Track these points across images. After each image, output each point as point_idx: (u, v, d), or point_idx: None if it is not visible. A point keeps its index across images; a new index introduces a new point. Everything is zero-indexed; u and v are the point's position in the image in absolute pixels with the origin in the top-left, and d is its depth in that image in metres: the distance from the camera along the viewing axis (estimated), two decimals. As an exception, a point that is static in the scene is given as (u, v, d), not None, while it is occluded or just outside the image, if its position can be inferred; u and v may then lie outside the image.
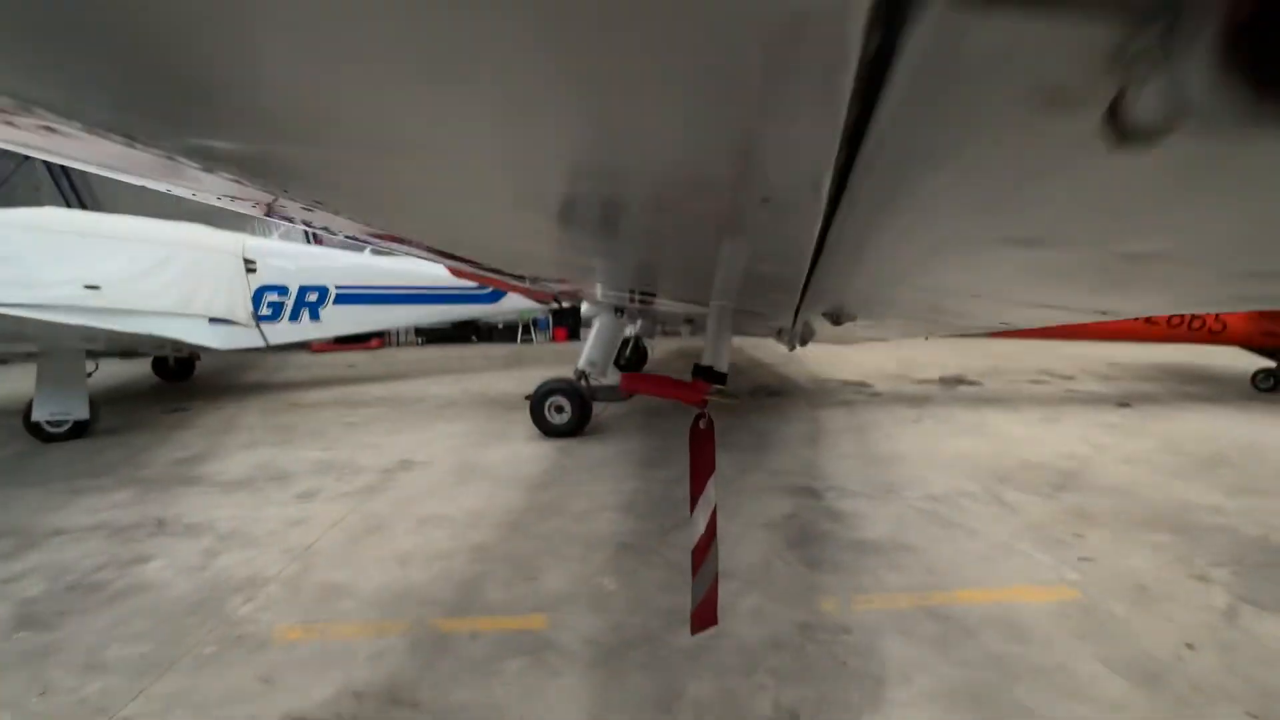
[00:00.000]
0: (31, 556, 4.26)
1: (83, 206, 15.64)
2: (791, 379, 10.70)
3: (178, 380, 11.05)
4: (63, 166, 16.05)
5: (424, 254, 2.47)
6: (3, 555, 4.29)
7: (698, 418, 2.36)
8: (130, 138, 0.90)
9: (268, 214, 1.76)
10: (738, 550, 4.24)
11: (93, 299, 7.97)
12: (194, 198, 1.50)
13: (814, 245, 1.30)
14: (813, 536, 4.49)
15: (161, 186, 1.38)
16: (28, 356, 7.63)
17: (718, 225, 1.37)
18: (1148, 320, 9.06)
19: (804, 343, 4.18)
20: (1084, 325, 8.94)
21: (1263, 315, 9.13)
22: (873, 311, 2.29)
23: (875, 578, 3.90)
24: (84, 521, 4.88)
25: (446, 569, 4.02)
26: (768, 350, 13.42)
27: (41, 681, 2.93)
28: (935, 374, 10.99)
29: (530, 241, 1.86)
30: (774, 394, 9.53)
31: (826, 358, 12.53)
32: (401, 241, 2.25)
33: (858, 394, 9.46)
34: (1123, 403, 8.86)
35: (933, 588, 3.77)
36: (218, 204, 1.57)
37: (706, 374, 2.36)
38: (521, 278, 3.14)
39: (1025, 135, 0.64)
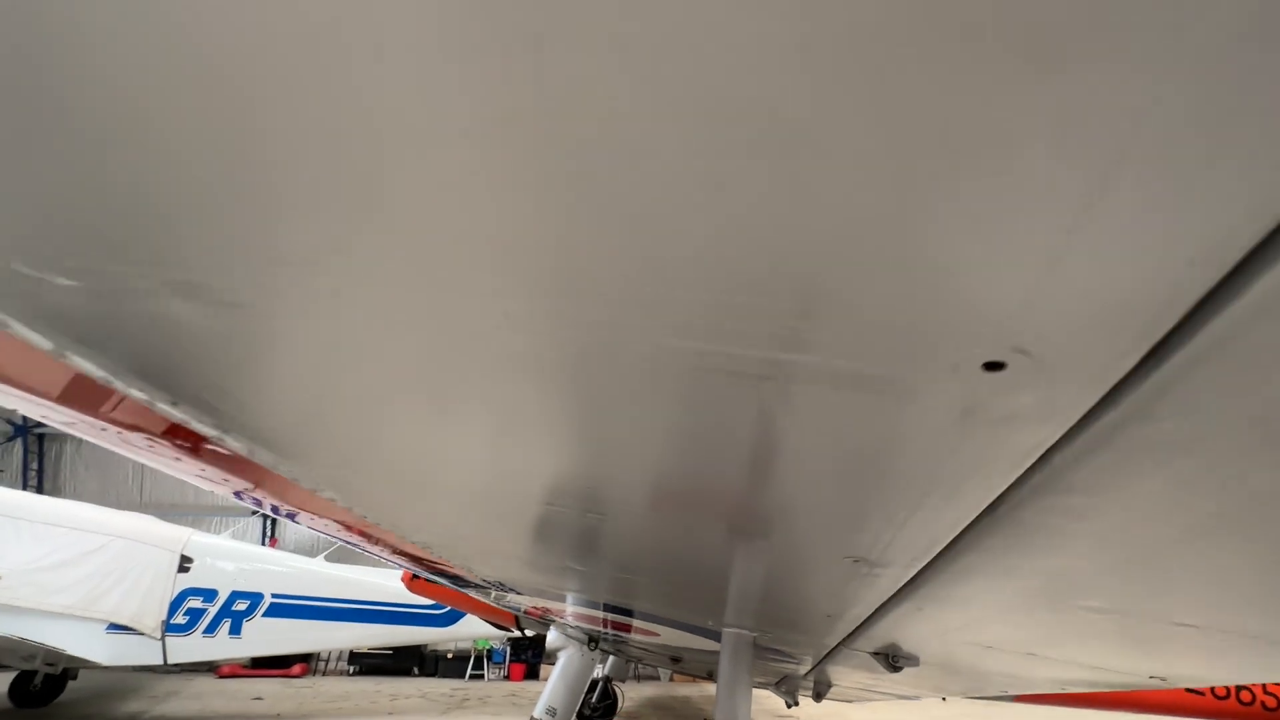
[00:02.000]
0: None
1: (39, 491, 14.96)
2: (790, 747, 8.83)
3: (36, 706, 8.88)
4: (40, 453, 15.96)
5: (395, 555, 2.13)
6: None
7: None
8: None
9: (238, 495, 1.76)
10: None
11: (-17, 591, 6.84)
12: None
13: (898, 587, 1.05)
14: None
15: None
16: None
17: (778, 561, 1.17)
18: (1191, 690, 7.98)
19: (818, 698, 3.38)
20: (1120, 694, 7.84)
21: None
22: (944, 652, 1.80)
23: None
24: None
25: None
26: (759, 703, 11.49)
27: None
28: (961, 750, 9.18)
29: (532, 540, 1.52)
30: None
31: (825, 716, 10.63)
32: (375, 540, 1.93)
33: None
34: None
35: None
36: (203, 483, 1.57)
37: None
38: (490, 589, 2.62)
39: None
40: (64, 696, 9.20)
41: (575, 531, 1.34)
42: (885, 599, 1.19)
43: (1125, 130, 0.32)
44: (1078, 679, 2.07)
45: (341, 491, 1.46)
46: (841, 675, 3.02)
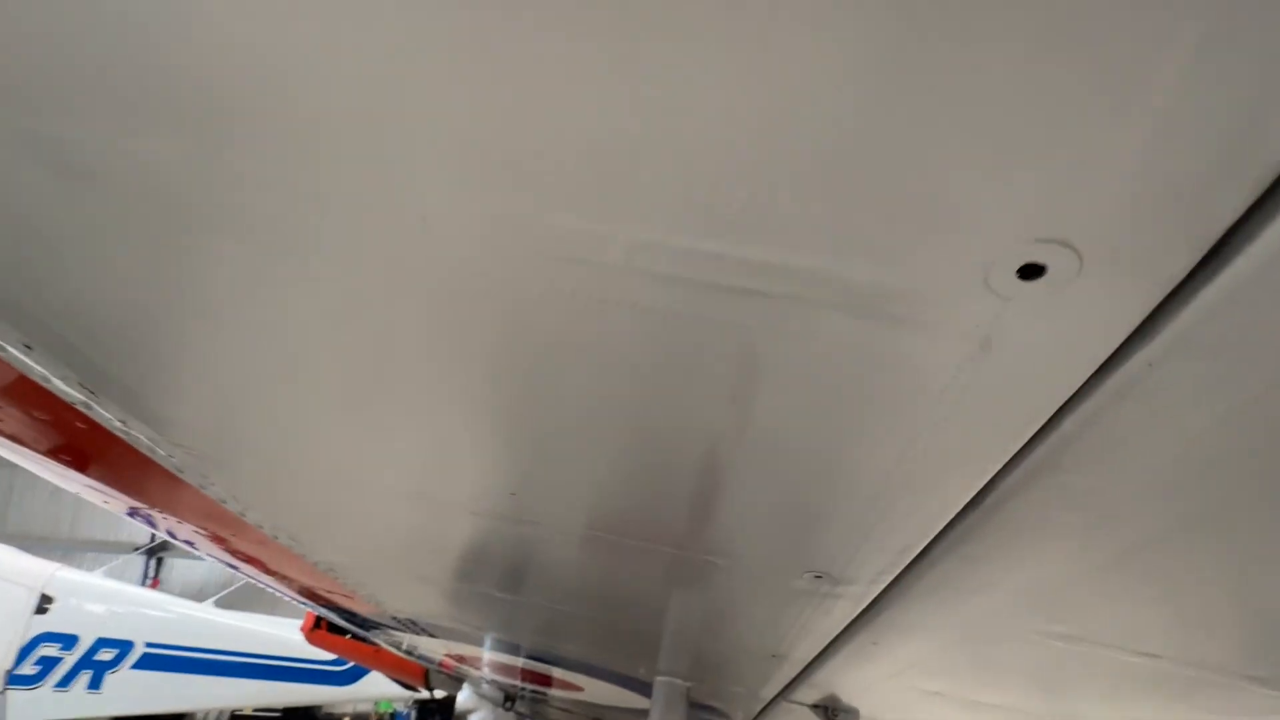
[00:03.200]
0: None
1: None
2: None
3: None
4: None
5: (297, 592, 1.92)
6: None
7: None
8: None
9: (131, 514, 1.65)
10: None
11: None
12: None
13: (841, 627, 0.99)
14: None
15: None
16: None
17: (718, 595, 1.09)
18: None
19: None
20: None
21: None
22: (872, 705, 1.70)
23: None
24: None
25: None
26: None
27: None
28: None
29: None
30: None
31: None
32: (276, 571, 1.70)
33: None
34: None
35: None
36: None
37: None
38: (401, 630, 2.37)
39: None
40: None
41: (501, 550, 1.20)
42: (841, 628, 1.09)
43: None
44: None
45: (246, 501, 1.28)
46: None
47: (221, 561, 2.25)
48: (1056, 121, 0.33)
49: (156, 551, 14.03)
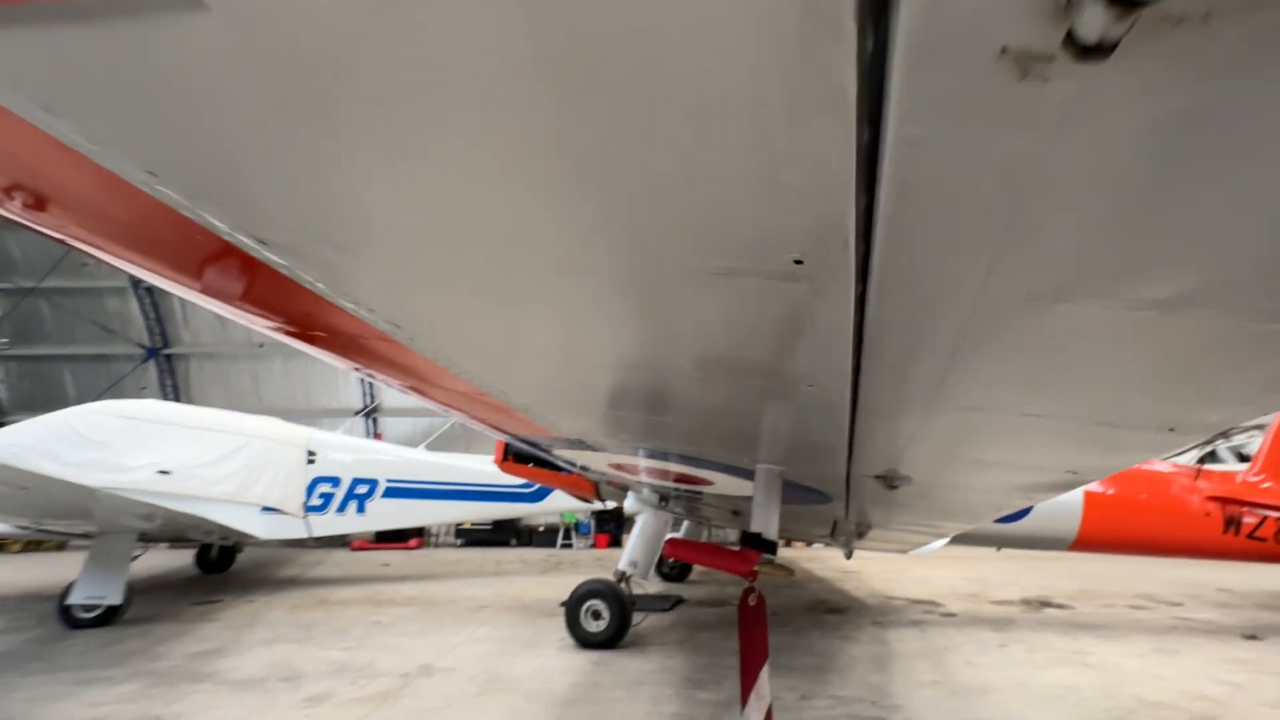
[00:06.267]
0: (13, 752, 3.88)
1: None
2: (852, 595, 9.74)
3: (216, 571, 10.91)
4: (171, 371, 18.03)
5: (484, 422, 2.56)
6: (-16, 749, 3.92)
7: (747, 593, 2.15)
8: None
9: (356, 370, 2.03)
10: (802, 792, 3.50)
11: (163, 484, 8.32)
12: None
13: (854, 354, 1.28)
14: (893, 781, 3.70)
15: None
16: (85, 538, 7.79)
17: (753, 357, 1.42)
18: (1228, 529, 8.05)
19: (860, 535, 3.89)
20: (1155, 539, 8.01)
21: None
22: (924, 469, 2.16)
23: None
24: (80, 715, 4.50)
25: (456, 796, 3.42)
26: (824, 563, 12.47)
27: None
28: (1015, 594, 9.83)
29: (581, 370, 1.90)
30: (834, 610, 8.61)
31: (890, 574, 11.50)
32: (468, 406, 2.38)
33: (928, 614, 8.45)
34: (1249, 635, 7.58)
35: None
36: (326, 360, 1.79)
37: (755, 541, 2.20)
38: (574, 448, 3.16)
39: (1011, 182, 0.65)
40: (235, 566, 11.20)
41: (644, 388, 1.67)
42: (847, 383, 1.41)
43: None
44: (1089, 452, 1.91)
45: (454, 363, 1.88)
46: (868, 513, 3.45)
47: (437, 408, 2.95)
48: None
49: (371, 413, 17.21)
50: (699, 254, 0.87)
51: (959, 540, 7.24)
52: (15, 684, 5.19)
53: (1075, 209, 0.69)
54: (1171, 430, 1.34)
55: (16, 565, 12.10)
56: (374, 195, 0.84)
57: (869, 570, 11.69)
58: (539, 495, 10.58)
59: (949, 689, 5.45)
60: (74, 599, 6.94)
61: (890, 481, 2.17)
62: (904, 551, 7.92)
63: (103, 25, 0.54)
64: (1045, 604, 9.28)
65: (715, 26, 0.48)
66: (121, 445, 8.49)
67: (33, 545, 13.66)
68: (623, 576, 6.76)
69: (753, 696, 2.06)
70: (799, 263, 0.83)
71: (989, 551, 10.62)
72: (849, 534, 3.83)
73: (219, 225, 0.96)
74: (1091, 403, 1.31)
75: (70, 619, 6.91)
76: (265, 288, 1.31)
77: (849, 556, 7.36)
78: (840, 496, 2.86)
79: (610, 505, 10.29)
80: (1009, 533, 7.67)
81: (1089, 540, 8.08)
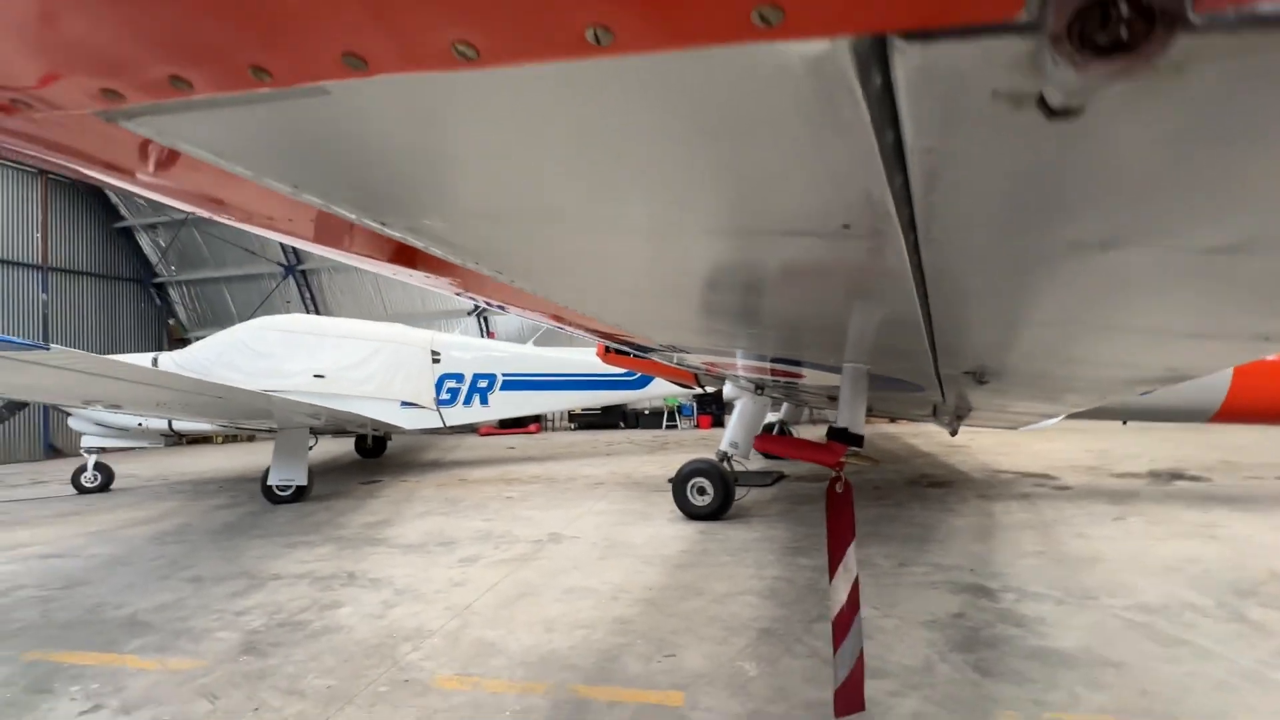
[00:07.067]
0: (256, 596, 5.06)
1: (317, 313, 19.21)
2: (958, 469, 9.73)
3: (372, 457, 12.71)
4: (308, 284, 20.00)
5: (583, 331, 2.79)
6: (237, 593, 5.15)
7: (834, 481, 2.33)
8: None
9: (458, 293, 2.22)
10: (895, 647, 3.86)
11: (319, 385, 9.66)
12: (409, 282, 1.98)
13: (917, 286, 1.32)
14: (985, 640, 3.96)
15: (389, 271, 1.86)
16: (269, 432, 9.33)
17: (820, 270, 1.49)
18: None
19: (960, 417, 3.90)
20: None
21: None
22: (1012, 364, 2.15)
23: (1069, 694, 3.32)
24: (295, 570, 5.70)
25: (588, 638, 4.10)
26: (930, 439, 12.40)
27: (256, 700, 3.42)
28: (1143, 467, 9.39)
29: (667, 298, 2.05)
30: (938, 484, 8.71)
31: (1001, 448, 11.26)
32: (564, 321, 2.61)
33: (1040, 487, 8.35)
34: None
35: (1150, 713, 3.13)
36: (427, 286, 2.02)
37: (841, 436, 2.34)
38: (666, 354, 3.35)
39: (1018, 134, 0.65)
40: (388, 452, 12.96)
41: (730, 308, 1.76)
42: (915, 295, 1.46)
43: None
44: (1182, 354, 1.81)
45: (548, 289, 2.07)
46: (974, 400, 3.43)
47: (534, 320, 3.24)
48: None
49: (482, 312, 18.43)
50: (766, 220, 0.96)
51: (1077, 415, 6.92)
52: (245, 546, 6.59)
53: (1099, 187, 0.71)
54: (1267, 339, 1.27)
55: (222, 455, 14.68)
56: (482, 188, 1.00)
57: (977, 444, 11.51)
58: (642, 382, 11.14)
59: (1054, 558, 5.52)
60: (272, 480, 8.47)
61: (980, 377, 2.18)
62: (1014, 428, 7.72)
63: (251, 107, 0.73)
64: (1176, 476, 8.82)
65: (763, 94, 0.60)
66: (282, 354, 9.84)
67: (230, 439, 16.61)
68: (725, 456, 7.19)
69: (840, 569, 2.30)
70: (847, 227, 0.89)
71: (1115, 425, 10.07)
72: (950, 414, 3.85)
73: (349, 215, 1.17)
74: (1171, 322, 1.26)
75: (271, 496, 8.48)
76: (394, 251, 1.54)
77: (954, 434, 7.31)
78: (933, 386, 2.89)
79: (710, 390, 10.69)
80: (1136, 404, 7.09)
81: (1237, 410, 7.24)
